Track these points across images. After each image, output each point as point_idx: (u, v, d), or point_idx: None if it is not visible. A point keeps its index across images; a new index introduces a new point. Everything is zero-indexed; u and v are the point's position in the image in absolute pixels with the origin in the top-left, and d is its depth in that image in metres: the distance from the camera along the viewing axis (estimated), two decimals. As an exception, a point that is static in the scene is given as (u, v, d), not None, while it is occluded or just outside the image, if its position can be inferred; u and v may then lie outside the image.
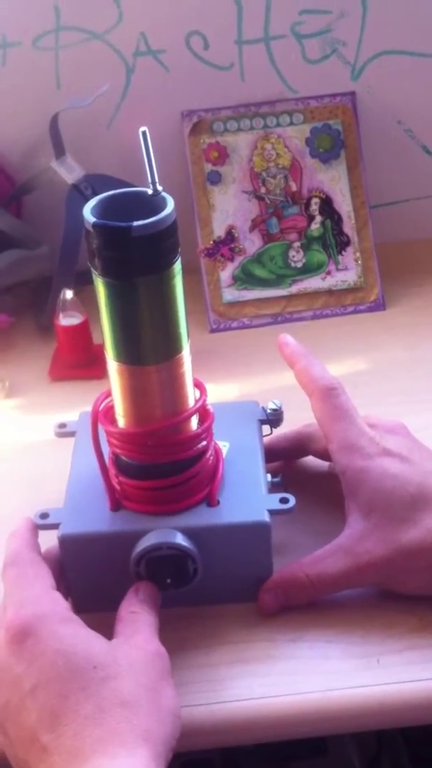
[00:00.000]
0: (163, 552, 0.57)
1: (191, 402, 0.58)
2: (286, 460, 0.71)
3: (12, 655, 0.50)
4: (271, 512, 0.59)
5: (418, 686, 0.55)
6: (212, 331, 0.92)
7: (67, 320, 0.85)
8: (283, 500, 0.59)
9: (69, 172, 0.88)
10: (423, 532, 0.58)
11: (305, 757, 0.99)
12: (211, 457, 0.61)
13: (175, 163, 0.93)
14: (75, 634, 0.51)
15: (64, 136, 0.89)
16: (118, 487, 0.60)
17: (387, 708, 0.55)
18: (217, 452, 0.62)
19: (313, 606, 0.60)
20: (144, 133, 0.50)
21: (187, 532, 0.58)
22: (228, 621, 0.60)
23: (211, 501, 0.59)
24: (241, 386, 0.83)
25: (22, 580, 0.54)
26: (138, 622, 0.55)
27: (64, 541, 0.58)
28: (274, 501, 0.59)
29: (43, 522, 0.59)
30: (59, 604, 0.53)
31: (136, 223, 0.50)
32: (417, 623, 0.59)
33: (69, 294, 0.85)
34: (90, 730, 0.47)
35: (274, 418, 0.67)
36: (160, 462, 0.58)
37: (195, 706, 0.55)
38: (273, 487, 0.63)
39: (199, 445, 0.59)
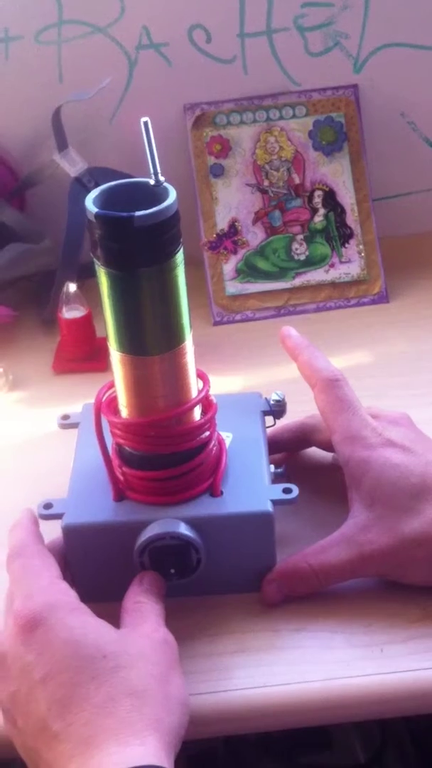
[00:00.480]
0: (167, 542, 0.57)
1: (194, 393, 0.59)
2: (289, 452, 0.71)
3: (22, 645, 0.51)
4: (275, 502, 0.59)
5: (422, 675, 0.55)
6: (216, 323, 0.92)
7: (70, 313, 0.86)
8: (287, 490, 0.60)
9: (72, 166, 0.88)
10: (425, 523, 0.58)
11: (310, 751, 0.99)
12: (215, 448, 0.61)
13: (178, 156, 0.93)
14: (84, 623, 0.52)
15: (67, 130, 0.89)
16: (121, 477, 0.60)
17: (390, 697, 0.55)
18: (221, 443, 0.62)
19: (316, 596, 0.60)
20: (146, 123, 0.50)
21: (191, 522, 0.58)
22: (232, 611, 0.60)
23: (214, 491, 0.59)
24: (244, 378, 0.84)
25: (29, 571, 0.55)
26: (143, 611, 0.55)
27: (68, 531, 0.59)
28: (277, 491, 0.60)
29: (47, 512, 0.60)
30: (68, 594, 0.53)
31: (138, 213, 0.50)
32: (420, 613, 0.59)
33: (72, 287, 0.85)
34: (101, 719, 0.47)
35: (278, 410, 0.67)
36: (163, 452, 0.58)
37: (199, 695, 0.55)
38: (276, 478, 0.63)
39: (203, 436, 0.59)
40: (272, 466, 0.63)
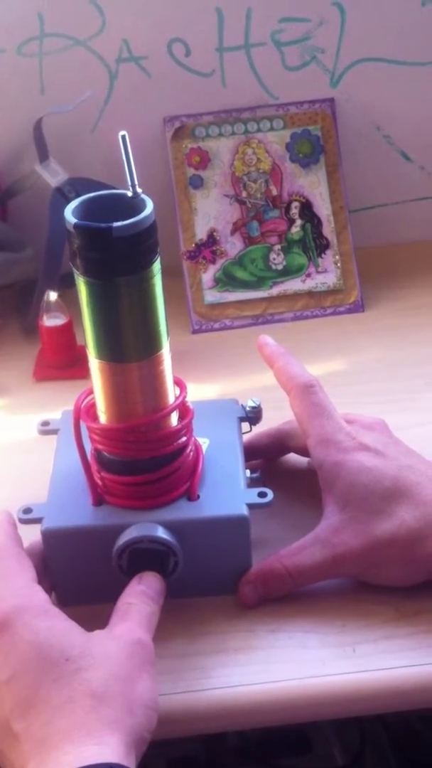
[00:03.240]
0: (145, 545, 0.58)
1: (171, 399, 0.60)
2: (267, 458, 0.72)
3: None
4: (250, 506, 0.60)
5: (393, 674, 0.57)
6: (194, 332, 0.94)
7: (51, 321, 0.87)
8: (262, 494, 0.61)
9: (53, 176, 0.89)
10: (396, 525, 0.59)
11: (289, 755, 1.00)
12: (192, 453, 0.62)
13: (158, 168, 0.95)
14: (51, 627, 0.52)
15: (49, 141, 0.91)
16: (100, 482, 0.61)
17: (362, 695, 0.57)
18: (197, 448, 0.63)
19: (291, 597, 0.61)
20: (123, 137, 0.51)
21: (168, 526, 0.59)
22: (209, 612, 0.61)
23: (191, 495, 0.61)
24: (222, 386, 0.85)
25: (4, 573, 0.56)
26: (129, 612, 0.56)
27: (47, 535, 0.60)
28: (252, 495, 0.61)
29: (26, 516, 0.61)
30: (38, 597, 0.54)
31: (116, 224, 0.51)
32: (393, 614, 0.60)
33: (53, 296, 0.86)
34: (58, 719, 0.48)
35: (254, 416, 0.69)
36: (141, 457, 0.60)
37: (177, 694, 0.56)
38: (252, 483, 0.64)
39: (179, 441, 0.60)
40: (248, 471, 0.65)
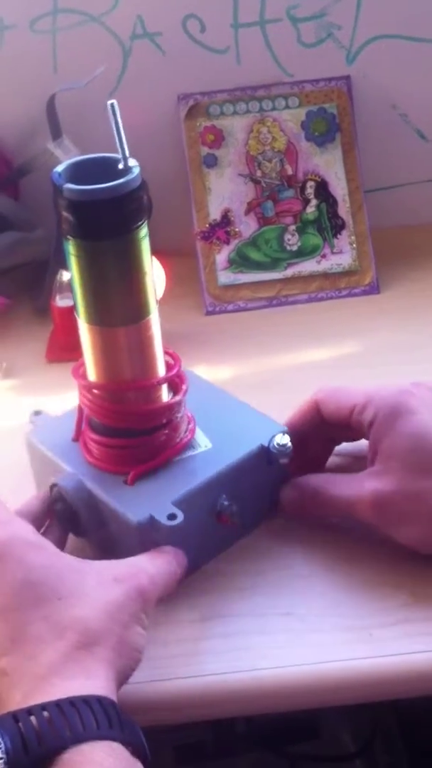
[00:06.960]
0: (60, 491, 0.60)
1: (161, 371, 0.60)
2: (313, 436, 0.66)
3: None
4: (151, 520, 0.57)
5: (410, 659, 0.56)
6: (208, 313, 0.93)
7: (63, 302, 0.86)
8: (171, 516, 0.57)
9: (65, 154, 0.88)
10: None
11: (298, 741, 1.00)
12: (166, 441, 0.61)
13: (172, 146, 0.94)
14: (44, 563, 0.52)
15: (62, 119, 0.90)
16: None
17: (379, 680, 0.56)
18: (178, 445, 0.61)
19: (304, 580, 0.61)
20: (112, 105, 0.51)
21: (87, 492, 0.59)
22: (219, 596, 0.61)
23: (129, 480, 0.59)
24: (235, 368, 0.84)
25: None
26: (145, 563, 0.56)
27: (28, 444, 0.65)
28: (163, 512, 0.57)
29: (33, 417, 0.67)
30: (24, 528, 0.54)
31: (68, 186, 0.52)
32: (409, 598, 0.59)
33: (65, 275, 0.85)
34: (47, 654, 0.48)
35: (275, 453, 0.61)
36: (107, 424, 0.60)
37: (186, 678, 0.55)
38: (222, 512, 0.60)
39: (156, 419, 0.60)
40: (224, 497, 0.60)
